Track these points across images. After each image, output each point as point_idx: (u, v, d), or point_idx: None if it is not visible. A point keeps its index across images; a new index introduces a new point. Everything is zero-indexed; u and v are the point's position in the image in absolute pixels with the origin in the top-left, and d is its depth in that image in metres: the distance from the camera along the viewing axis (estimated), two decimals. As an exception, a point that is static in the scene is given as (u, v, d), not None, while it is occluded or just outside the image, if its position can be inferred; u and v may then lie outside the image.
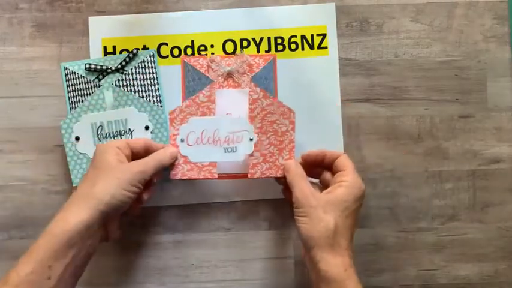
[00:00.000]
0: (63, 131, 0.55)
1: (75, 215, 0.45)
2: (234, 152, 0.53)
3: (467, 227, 0.58)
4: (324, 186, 0.52)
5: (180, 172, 0.53)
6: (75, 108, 0.56)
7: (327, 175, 0.52)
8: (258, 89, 0.54)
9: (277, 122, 0.53)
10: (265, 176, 0.53)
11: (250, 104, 0.54)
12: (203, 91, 0.54)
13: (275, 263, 0.58)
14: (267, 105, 0.54)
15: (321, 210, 0.47)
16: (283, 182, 0.53)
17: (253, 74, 0.55)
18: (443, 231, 0.58)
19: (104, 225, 0.48)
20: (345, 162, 0.50)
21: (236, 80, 0.55)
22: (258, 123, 0.54)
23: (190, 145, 0.53)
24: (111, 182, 0.46)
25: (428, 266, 0.58)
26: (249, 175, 0.54)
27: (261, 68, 0.56)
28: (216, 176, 0.53)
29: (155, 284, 0.57)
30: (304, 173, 0.51)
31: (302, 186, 0.49)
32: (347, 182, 0.48)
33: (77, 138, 0.55)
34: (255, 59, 0.56)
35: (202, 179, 0.53)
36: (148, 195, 0.52)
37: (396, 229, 0.58)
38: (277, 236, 0.58)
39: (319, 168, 0.53)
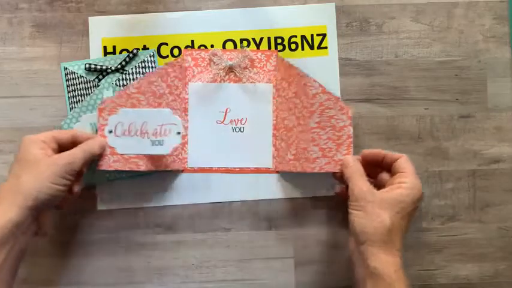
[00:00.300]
0: (63, 131, 0.55)
1: (4, 213, 0.44)
2: (161, 145, 0.52)
3: (467, 227, 0.58)
4: (380, 186, 0.51)
5: (106, 163, 0.52)
6: (75, 108, 0.56)
7: (384, 175, 0.52)
8: (317, 84, 0.53)
9: (335, 117, 0.53)
10: (323, 171, 0.53)
11: (310, 98, 0.53)
12: (134, 82, 0.54)
13: (275, 263, 0.57)
14: (326, 100, 0.53)
15: (377, 206, 0.46)
16: (339, 177, 0.53)
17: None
18: (443, 231, 0.58)
19: (37, 219, 0.47)
20: (405, 165, 0.49)
21: (238, 74, 0.55)
22: (317, 117, 0.53)
23: (118, 136, 0.52)
24: (38, 175, 0.46)
25: (428, 266, 0.58)
26: (308, 169, 0.53)
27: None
28: (143, 168, 0.53)
29: (155, 284, 0.57)
30: (363, 170, 0.50)
31: (360, 181, 0.48)
32: (407, 184, 0.48)
33: (77, 138, 0.55)
34: (257, 54, 0.56)
35: (128, 170, 0.53)
36: (79, 186, 0.51)
37: (396, 229, 0.58)
38: (277, 236, 0.58)
39: (377, 167, 0.52)
